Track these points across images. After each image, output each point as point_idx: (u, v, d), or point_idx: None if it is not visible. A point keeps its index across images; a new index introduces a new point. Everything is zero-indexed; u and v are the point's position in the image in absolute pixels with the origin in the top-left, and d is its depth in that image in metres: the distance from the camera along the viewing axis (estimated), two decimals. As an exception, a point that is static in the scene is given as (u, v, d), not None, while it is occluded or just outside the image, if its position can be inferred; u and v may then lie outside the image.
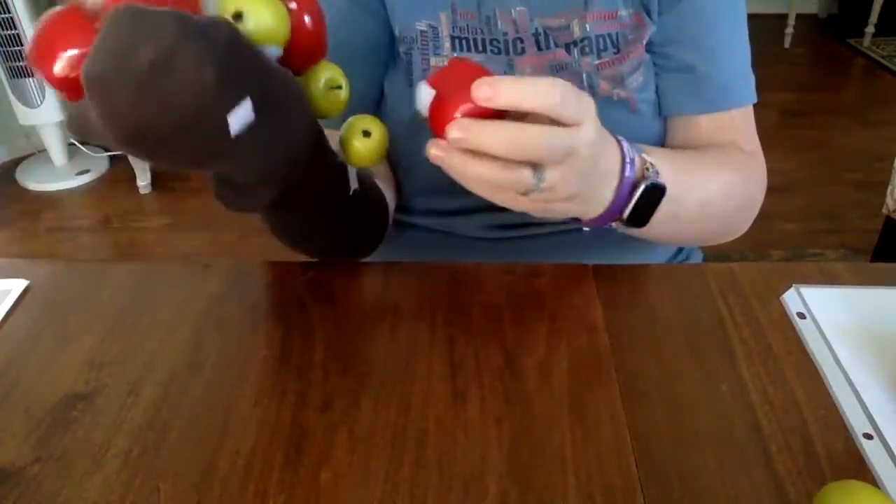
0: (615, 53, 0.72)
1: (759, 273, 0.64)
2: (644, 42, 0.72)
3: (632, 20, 0.71)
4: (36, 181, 2.56)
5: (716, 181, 0.70)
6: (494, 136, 0.47)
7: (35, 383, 0.54)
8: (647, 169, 0.59)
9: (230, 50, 0.41)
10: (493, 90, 0.46)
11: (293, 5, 0.49)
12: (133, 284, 0.64)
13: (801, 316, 0.58)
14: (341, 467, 0.47)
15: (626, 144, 0.58)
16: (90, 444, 0.49)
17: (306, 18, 0.49)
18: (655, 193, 0.59)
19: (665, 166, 0.60)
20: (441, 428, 0.49)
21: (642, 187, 0.58)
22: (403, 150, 0.74)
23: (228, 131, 0.42)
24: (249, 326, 0.59)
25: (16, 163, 2.68)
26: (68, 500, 0.45)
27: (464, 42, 0.71)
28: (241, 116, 0.43)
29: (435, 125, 0.50)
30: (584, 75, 0.72)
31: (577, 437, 0.48)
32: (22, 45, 2.25)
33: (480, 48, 0.71)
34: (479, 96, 0.46)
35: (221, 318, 0.60)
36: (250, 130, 0.44)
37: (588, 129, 0.50)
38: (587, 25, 0.71)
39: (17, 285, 0.63)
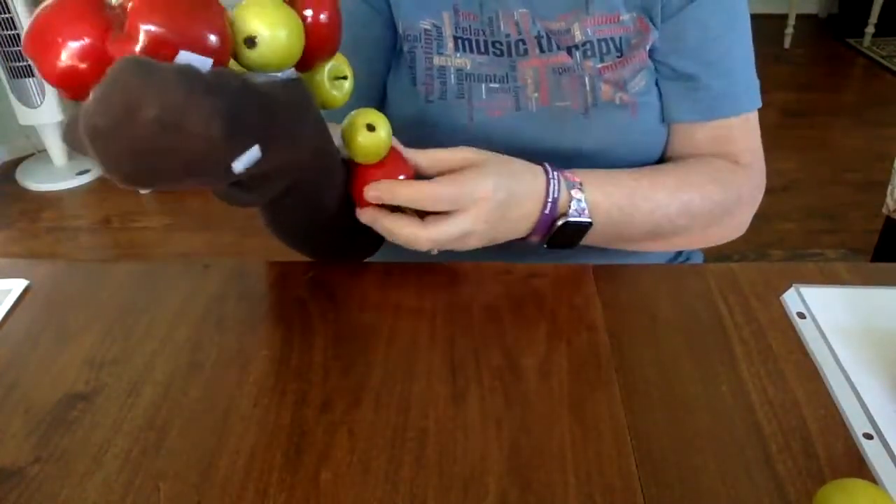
0: (618, 57, 0.71)
1: (759, 273, 0.64)
2: (647, 47, 0.72)
3: (635, 25, 0.71)
4: (36, 181, 2.56)
5: (675, 202, 0.69)
6: (402, 192, 0.59)
7: (35, 383, 0.54)
8: (570, 206, 0.63)
9: (237, 104, 0.41)
10: (380, 194, 0.59)
11: (308, 12, 0.48)
12: (133, 284, 0.64)
13: (801, 316, 0.58)
14: (341, 467, 0.47)
15: (554, 184, 0.62)
16: (90, 444, 0.49)
17: (322, 17, 0.49)
18: (578, 228, 0.64)
19: (601, 196, 0.65)
20: (441, 428, 0.49)
21: (558, 224, 0.63)
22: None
23: (233, 172, 0.43)
24: (249, 326, 0.59)
25: (16, 163, 2.68)
26: (68, 500, 0.45)
27: (466, 43, 0.71)
28: (246, 159, 0.43)
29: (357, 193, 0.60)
30: (586, 79, 0.72)
31: (577, 437, 0.48)
32: (22, 44, 2.25)
33: (483, 49, 0.71)
34: (369, 196, 0.59)
35: (221, 318, 0.60)
36: (256, 164, 0.44)
37: (470, 215, 0.59)
38: (588, 29, 0.71)
39: (17, 285, 0.63)
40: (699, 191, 0.71)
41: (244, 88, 0.42)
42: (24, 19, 2.22)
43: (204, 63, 0.41)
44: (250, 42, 0.45)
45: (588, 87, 0.72)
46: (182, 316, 0.60)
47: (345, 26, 0.55)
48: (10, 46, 2.26)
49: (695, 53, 0.72)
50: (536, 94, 0.72)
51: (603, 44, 0.71)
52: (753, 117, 0.76)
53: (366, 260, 0.69)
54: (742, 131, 0.75)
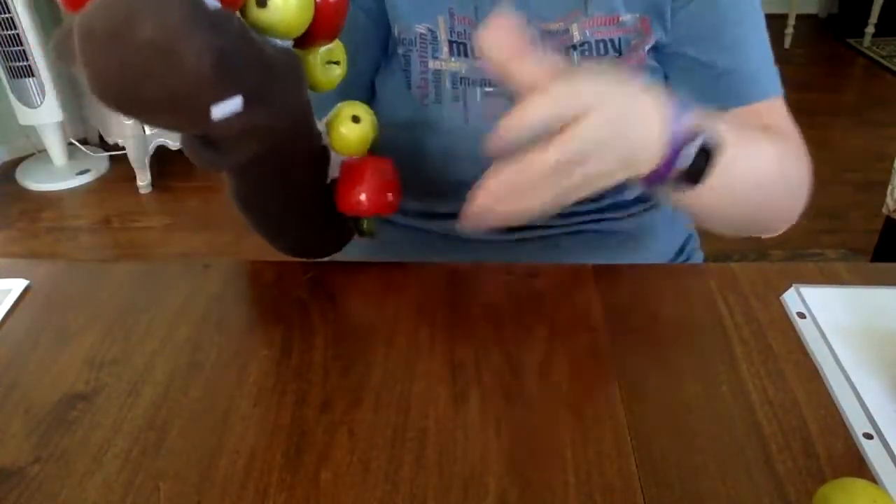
0: (616, 57, 0.71)
1: (759, 273, 0.64)
2: (647, 48, 0.71)
3: (636, 26, 0.70)
4: (36, 181, 2.56)
5: (770, 155, 0.63)
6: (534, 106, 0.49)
7: (35, 383, 0.54)
8: (701, 127, 0.53)
9: (234, 48, 0.41)
10: (516, 121, 0.49)
11: None
12: (133, 284, 0.64)
13: (801, 316, 0.58)
14: (341, 467, 0.47)
15: (678, 104, 0.53)
16: (90, 444, 0.49)
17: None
18: (709, 151, 0.53)
19: (722, 128, 0.55)
20: (441, 428, 0.49)
21: (698, 140, 0.52)
22: (399, 150, 0.74)
23: (210, 118, 0.43)
24: (249, 326, 0.59)
25: (16, 163, 2.68)
26: (68, 500, 0.45)
27: (461, 47, 0.70)
28: (227, 107, 0.43)
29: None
30: None
31: (577, 437, 0.48)
32: (22, 45, 2.25)
33: (477, 54, 0.70)
34: (506, 127, 0.49)
35: (221, 318, 0.60)
36: (234, 117, 0.44)
37: (594, 118, 0.48)
38: (587, 31, 0.70)
39: (17, 285, 0.63)
40: (782, 150, 0.65)
41: (244, 37, 0.42)
42: (24, 19, 2.22)
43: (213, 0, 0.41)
44: (261, 3, 0.45)
45: None
46: (182, 316, 0.60)
47: None
48: (10, 46, 2.26)
49: (713, 39, 0.71)
50: None
51: (601, 45, 0.70)
52: (781, 104, 0.72)
53: (365, 260, 0.69)
54: (773, 116, 0.71)
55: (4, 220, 2.39)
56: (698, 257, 0.88)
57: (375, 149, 0.61)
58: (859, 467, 0.46)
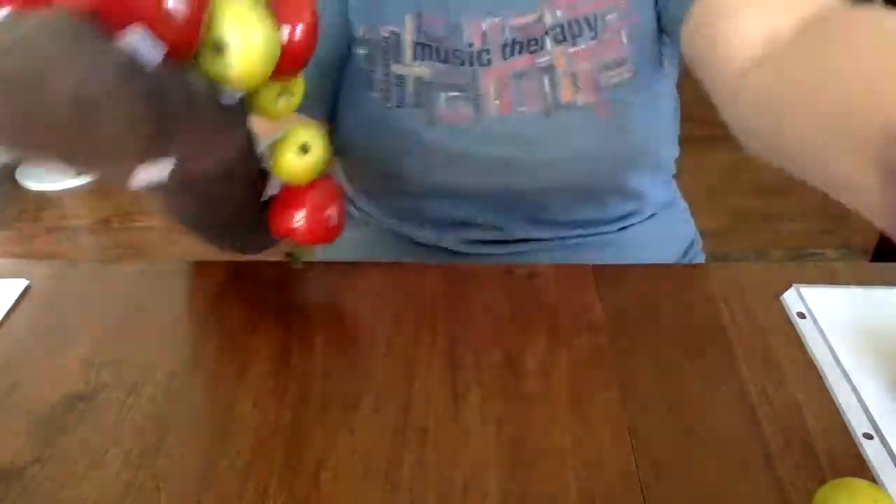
0: (592, 39, 0.66)
1: (760, 273, 0.64)
2: (628, 30, 0.66)
3: None
4: (36, 181, 2.56)
5: None
6: None
7: (35, 383, 0.54)
8: None
9: (171, 113, 0.36)
10: None
11: (286, 30, 0.43)
12: (133, 284, 0.64)
13: (801, 316, 0.58)
14: (341, 467, 0.47)
15: None
16: (90, 444, 0.49)
17: (298, 35, 0.43)
18: None
19: None
20: (441, 428, 0.49)
21: None
22: (361, 148, 0.73)
23: (129, 182, 0.38)
24: (249, 326, 0.59)
25: (15, 164, 2.68)
26: (68, 500, 0.45)
27: (427, 50, 0.67)
28: (152, 173, 0.38)
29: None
30: (545, 79, 0.67)
31: (578, 437, 0.48)
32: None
33: (444, 57, 0.67)
34: None
35: (221, 318, 0.60)
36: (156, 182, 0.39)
37: None
38: (558, 11, 0.66)
39: (17, 285, 0.63)
40: None
41: (184, 101, 0.37)
42: None
43: (154, 50, 0.35)
44: (217, 48, 0.39)
45: (547, 89, 0.67)
46: (182, 316, 0.60)
47: None
48: None
49: None
50: (498, 102, 0.68)
51: (574, 25, 0.66)
52: None
53: (365, 260, 0.69)
54: None
55: (4, 220, 2.39)
56: (700, 258, 0.88)
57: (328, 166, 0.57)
58: (859, 467, 0.46)
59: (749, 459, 0.47)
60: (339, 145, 0.75)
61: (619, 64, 0.67)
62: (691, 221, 0.87)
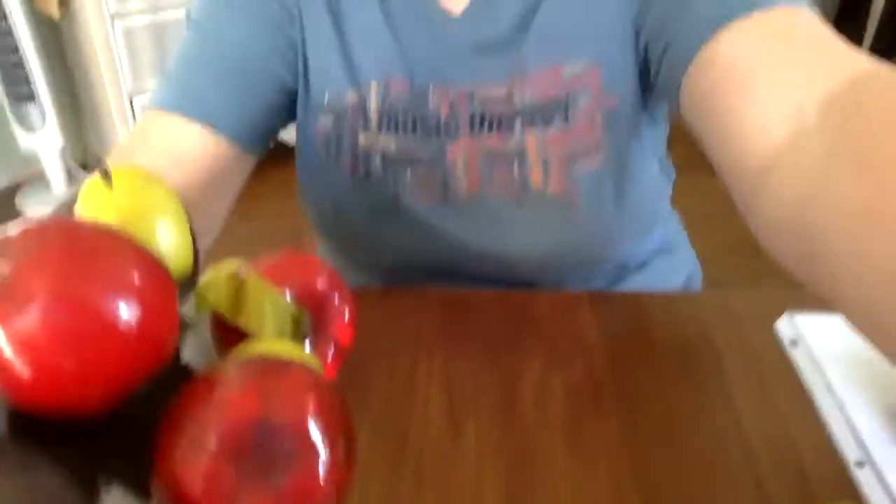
0: (563, 123, 0.61)
1: (754, 300, 0.64)
2: (603, 113, 0.61)
3: (584, 79, 0.61)
4: (36, 206, 2.57)
5: None
6: None
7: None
8: None
9: None
10: None
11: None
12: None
13: (794, 343, 0.59)
14: (338, 495, 0.47)
15: None
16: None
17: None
18: None
19: None
20: (438, 456, 0.50)
21: None
22: (326, 216, 0.71)
23: None
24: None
25: (16, 188, 2.69)
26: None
27: (392, 120, 0.64)
28: None
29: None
30: (515, 163, 0.63)
31: (574, 466, 0.49)
32: (24, 69, 2.27)
33: (410, 127, 0.64)
34: None
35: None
36: None
37: None
38: (527, 92, 0.61)
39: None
40: None
41: None
42: (26, 41, 2.24)
43: None
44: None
45: (517, 175, 0.63)
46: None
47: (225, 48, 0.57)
48: (12, 71, 2.28)
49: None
50: (466, 181, 0.65)
51: (546, 108, 0.61)
52: (815, 18, 0.47)
53: (363, 285, 0.69)
54: (812, 27, 0.46)
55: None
56: (698, 284, 0.84)
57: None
58: (852, 495, 0.46)
59: (742, 487, 0.47)
60: (310, 217, 0.73)
61: (591, 152, 0.62)
62: (690, 251, 0.84)
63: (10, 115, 2.43)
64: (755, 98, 0.43)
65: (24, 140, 2.46)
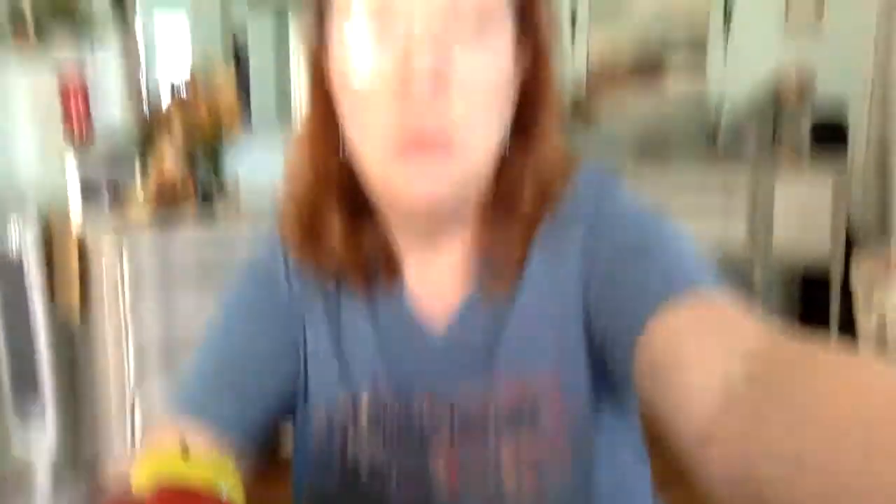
0: (532, 432, 0.64)
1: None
2: (564, 415, 0.64)
3: (544, 385, 0.64)
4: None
5: None
6: None
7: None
8: None
9: None
10: None
11: None
12: None
13: None
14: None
15: None
16: None
17: None
18: None
19: None
20: None
21: None
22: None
23: None
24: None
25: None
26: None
27: (380, 426, 0.67)
28: None
29: None
30: (490, 467, 0.65)
31: None
32: (36, 372, 2.30)
33: (396, 434, 0.67)
34: None
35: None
36: None
37: None
38: (500, 401, 0.65)
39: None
40: None
41: None
42: (43, 346, 2.33)
43: None
44: None
45: (491, 480, 0.65)
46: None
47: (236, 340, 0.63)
48: (24, 368, 2.32)
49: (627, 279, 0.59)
50: (446, 486, 0.67)
51: (517, 415, 0.64)
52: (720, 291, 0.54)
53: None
54: (724, 304, 0.53)
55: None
56: None
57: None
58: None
59: None
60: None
61: (557, 460, 0.65)
62: None
63: (8, 405, 2.41)
64: (687, 374, 0.48)
65: (18, 433, 2.42)
